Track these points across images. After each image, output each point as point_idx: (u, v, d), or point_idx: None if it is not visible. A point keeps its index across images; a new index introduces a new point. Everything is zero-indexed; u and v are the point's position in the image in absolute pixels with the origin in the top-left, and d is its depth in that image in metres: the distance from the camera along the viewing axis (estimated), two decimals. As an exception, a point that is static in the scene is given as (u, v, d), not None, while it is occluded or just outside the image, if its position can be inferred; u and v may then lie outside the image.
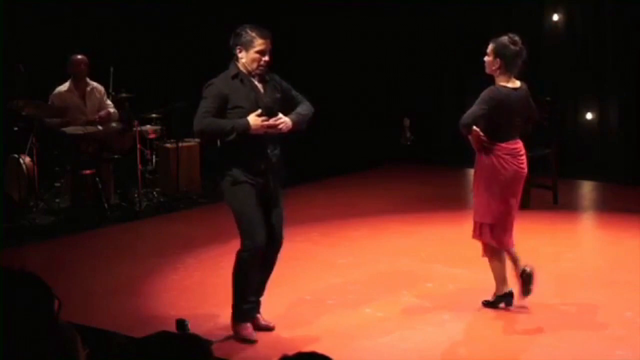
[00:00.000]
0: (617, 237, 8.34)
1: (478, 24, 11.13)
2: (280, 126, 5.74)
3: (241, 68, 5.77)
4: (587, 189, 10.67)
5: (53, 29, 10.31)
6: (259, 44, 5.71)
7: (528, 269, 6.22)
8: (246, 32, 5.74)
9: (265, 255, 5.87)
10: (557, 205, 9.52)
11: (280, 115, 5.78)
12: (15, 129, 9.53)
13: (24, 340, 2.48)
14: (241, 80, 5.75)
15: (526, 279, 6.21)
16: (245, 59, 5.75)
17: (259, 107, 5.70)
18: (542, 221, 8.62)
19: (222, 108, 5.71)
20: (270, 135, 5.75)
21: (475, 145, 6.19)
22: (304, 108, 5.93)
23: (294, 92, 5.99)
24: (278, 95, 5.87)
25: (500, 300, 6.31)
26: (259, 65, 5.73)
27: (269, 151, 5.78)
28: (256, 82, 5.81)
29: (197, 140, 10.14)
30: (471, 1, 11.51)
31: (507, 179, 6.14)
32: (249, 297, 5.90)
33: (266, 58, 5.73)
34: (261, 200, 5.78)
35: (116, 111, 9.82)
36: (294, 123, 5.82)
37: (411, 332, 6.02)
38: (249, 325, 5.90)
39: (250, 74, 5.77)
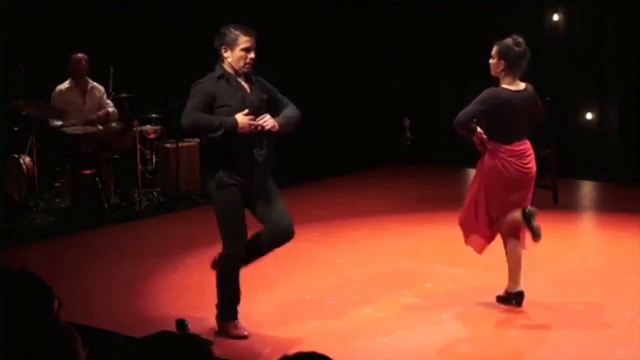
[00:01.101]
0: (617, 237, 8.34)
1: (478, 24, 11.13)
2: (267, 125, 5.73)
3: (227, 68, 5.79)
4: (587, 189, 10.67)
5: (53, 29, 10.31)
6: (243, 41, 5.74)
7: (528, 210, 6.21)
8: (230, 31, 5.77)
9: (270, 242, 5.87)
10: (557, 205, 9.51)
11: (267, 115, 5.79)
12: (15, 129, 9.55)
13: (24, 340, 2.48)
14: (227, 80, 5.78)
15: (529, 219, 6.20)
16: (231, 57, 5.77)
17: (246, 106, 5.72)
18: (542, 221, 8.56)
19: (210, 106, 5.72)
20: (257, 136, 5.76)
21: (478, 146, 6.21)
22: (290, 111, 5.93)
23: (279, 95, 6.00)
24: (264, 96, 5.89)
25: (512, 298, 6.30)
26: (245, 63, 5.76)
27: (255, 152, 5.78)
28: (242, 82, 5.83)
29: (197, 140, 10.14)
30: (471, 1, 11.51)
31: (510, 181, 6.14)
32: (233, 297, 5.93)
33: (252, 55, 5.75)
34: (248, 201, 5.81)
35: (116, 110, 9.83)
36: (281, 125, 5.81)
37: (411, 332, 6.02)
38: (236, 322, 5.92)
39: (236, 73, 5.79)
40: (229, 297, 5.93)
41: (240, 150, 5.74)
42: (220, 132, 5.64)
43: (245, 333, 5.92)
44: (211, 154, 5.84)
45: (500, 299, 6.38)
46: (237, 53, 5.75)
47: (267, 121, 5.74)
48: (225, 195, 5.75)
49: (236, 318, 5.95)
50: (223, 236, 5.83)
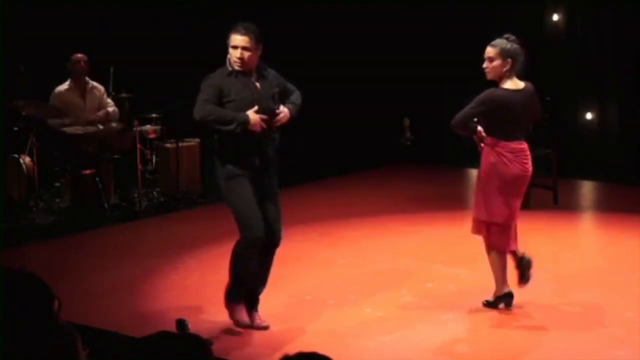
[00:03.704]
0: (617, 237, 8.34)
1: (478, 24, 11.12)
2: (281, 122, 5.87)
3: (234, 66, 5.83)
4: (587, 189, 10.68)
5: (53, 29, 10.30)
6: (232, 39, 5.80)
7: (527, 257, 6.23)
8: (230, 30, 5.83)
9: (263, 250, 5.89)
10: (557, 205, 9.52)
11: (281, 107, 5.89)
12: (15, 129, 9.54)
13: (24, 340, 2.47)
14: (236, 77, 5.82)
15: (525, 266, 6.23)
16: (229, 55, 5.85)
17: (255, 102, 5.77)
18: (542, 221, 8.62)
19: (219, 101, 5.77)
20: (266, 132, 5.80)
21: (478, 145, 6.20)
22: (297, 97, 6.06)
23: (288, 85, 6.09)
24: (276, 90, 5.95)
25: (500, 301, 6.31)
26: (233, 61, 5.80)
27: (263, 147, 5.84)
28: (252, 78, 5.85)
29: (197, 140, 10.16)
30: (471, 1, 11.51)
31: (510, 178, 6.13)
32: (245, 283, 5.94)
33: (238, 54, 5.76)
34: (256, 193, 5.83)
35: (116, 109, 9.84)
36: (292, 114, 5.93)
37: (411, 332, 6.02)
38: (242, 307, 5.93)
39: (243, 71, 5.83)
40: (239, 280, 5.90)
41: (248, 146, 5.79)
42: (233, 125, 5.68)
43: (247, 321, 5.93)
44: (221, 148, 5.87)
45: (488, 304, 6.37)
46: (230, 51, 5.82)
47: (282, 118, 5.87)
48: (236, 184, 5.80)
49: (243, 302, 5.93)
50: (240, 224, 5.82)
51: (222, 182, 5.87)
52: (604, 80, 11.22)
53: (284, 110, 5.88)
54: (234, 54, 5.78)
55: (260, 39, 5.83)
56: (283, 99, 5.98)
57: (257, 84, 5.88)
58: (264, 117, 5.76)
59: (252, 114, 5.72)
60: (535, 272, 6.33)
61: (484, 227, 6.25)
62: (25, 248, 8.28)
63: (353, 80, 12.03)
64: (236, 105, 5.76)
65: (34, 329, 2.49)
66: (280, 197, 6.01)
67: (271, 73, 5.98)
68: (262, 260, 5.95)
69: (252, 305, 6.03)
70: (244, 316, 5.93)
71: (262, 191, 5.87)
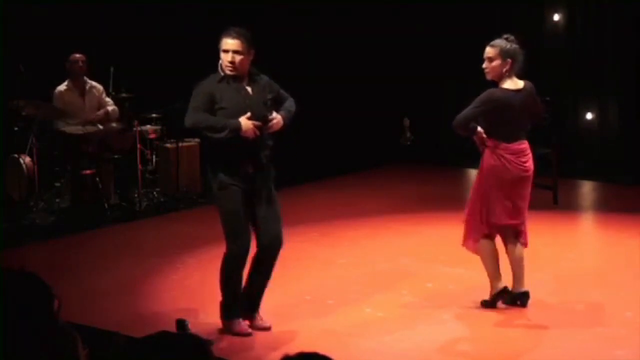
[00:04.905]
0: (617, 237, 8.33)
1: (478, 24, 11.12)
2: (274, 129, 5.84)
3: (225, 71, 5.82)
4: (587, 189, 10.67)
5: (53, 29, 10.30)
6: (223, 43, 5.78)
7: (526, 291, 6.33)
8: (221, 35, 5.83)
9: (263, 256, 5.90)
10: (557, 205, 9.52)
11: (274, 114, 5.84)
12: (15, 129, 9.54)
13: (23, 340, 2.48)
14: (227, 83, 5.81)
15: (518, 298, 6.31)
16: (221, 60, 5.83)
17: (247, 109, 5.75)
18: (542, 221, 8.60)
19: (210, 107, 5.76)
20: (261, 137, 5.79)
21: (479, 146, 6.20)
22: (291, 104, 6.02)
23: (282, 92, 6.06)
24: (269, 96, 5.92)
25: (498, 298, 6.32)
26: (225, 65, 5.78)
27: (257, 154, 5.82)
28: (244, 84, 5.84)
29: (197, 140, 10.15)
30: (471, 1, 11.51)
31: (511, 180, 6.13)
32: (236, 295, 5.97)
33: (229, 58, 5.75)
34: (249, 202, 5.83)
35: (116, 108, 9.85)
36: (286, 121, 5.89)
37: (411, 332, 6.02)
38: (239, 320, 5.96)
39: (235, 75, 5.81)
40: (232, 296, 5.95)
41: (242, 153, 5.76)
42: (224, 133, 5.67)
43: (249, 331, 5.95)
44: (214, 154, 5.86)
45: (485, 304, 6.38)
46: (221, 55, 5.80)
47: (275, 125, 5.82)
48: (227, 194, 5.79)
49: (239, 316, 5.97)
50: (226, 235, 5.87)
51: (214, 191, 5.88)
52: (604, 80, 11.22)
53: (277, 117, 5.83)
54: (225, 58, 5.76)
55: (252, 43, 5.80)
56: (277, 105, 5.94)
57: (249, 90, 5.86)
58: (257, 123, 5.73)
59: (244, 121, 5.69)
60: (535, 272, 6.33)
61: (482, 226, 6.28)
62: (25, 248, 8.29)
63: (353, 80, 12.03)
64: (228, 112, 5.74)
65: (34, 329, 2.49)
66: (278, 202, 5.98)
67: (264, 79, 5.95)
68: (261, 267, 5.95)
69: (252, 308, 6.03)
70: (243, 328, 5.96)
71: (258, 198, 5.85)
